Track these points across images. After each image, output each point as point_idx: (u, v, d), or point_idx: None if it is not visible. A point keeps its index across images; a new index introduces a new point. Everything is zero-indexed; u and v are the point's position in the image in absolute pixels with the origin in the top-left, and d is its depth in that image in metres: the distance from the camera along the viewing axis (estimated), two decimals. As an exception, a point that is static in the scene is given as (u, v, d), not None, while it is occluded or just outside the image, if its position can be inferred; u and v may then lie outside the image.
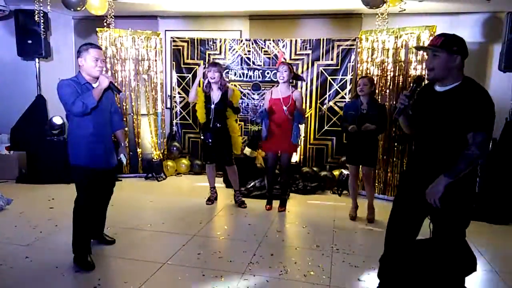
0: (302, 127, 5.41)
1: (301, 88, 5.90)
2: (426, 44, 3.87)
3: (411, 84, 2.32)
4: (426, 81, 2.33)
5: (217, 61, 5.37)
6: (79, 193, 3.03)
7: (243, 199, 4.77)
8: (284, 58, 5.82)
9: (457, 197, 2.13)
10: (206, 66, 4.50)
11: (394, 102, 4.91)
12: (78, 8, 4.96)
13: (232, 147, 4.58)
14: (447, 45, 2.10)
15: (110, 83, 2.98)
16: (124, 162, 3.43)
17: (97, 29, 5.71)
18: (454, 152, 2.09)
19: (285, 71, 4.30)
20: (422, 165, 2.27)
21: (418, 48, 4.22)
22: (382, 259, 2.49)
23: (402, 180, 2.42)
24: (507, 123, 4.75)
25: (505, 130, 4.72)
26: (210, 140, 4.48)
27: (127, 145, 3.31)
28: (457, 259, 2.22)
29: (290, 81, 4.41)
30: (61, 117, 5.88)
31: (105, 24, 5.50)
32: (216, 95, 4.39)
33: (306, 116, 5.90)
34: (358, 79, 4.30)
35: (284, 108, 4.30)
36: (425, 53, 3.74)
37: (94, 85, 2.96)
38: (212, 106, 4.39)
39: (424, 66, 4.33)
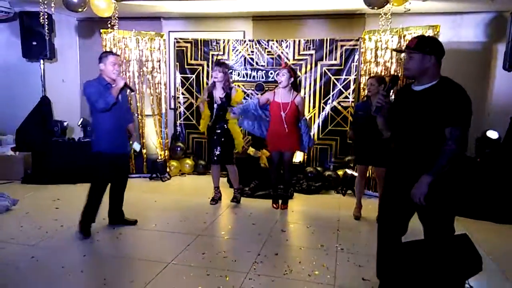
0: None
1: (304, 88, 5.91)
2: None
3: (387, 84, 2.44)
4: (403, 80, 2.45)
5: (223, 60, 5.31)
6: (98, 173, 3.65)
7: (241, 197, 4.82)
8: (287, 59, 5.81)
9: (442, 194, 2.19)
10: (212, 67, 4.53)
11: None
12: (80, 10, 4.99)
13: (234, 147, 4.62)
14: (420, 47, 2.21)
15: (125, 83, 3.61)
16: (138, 149, 4.26)
17: (101, 30, 5.74)
18: (434, 149, 2.15)
19: (284, 75, 4.23)
20: (404, 163, 2.33)
21: (396, 50, 4.26)
22: (377, 260, 2.54)
23: (386, 179, 2.49)
24: (511, 122, 4.73)
25: (510, 129, 4.70)
26: (215, 137, 4.52)
27: (135, 134, 4.10)
28: (457, 258, 2.23)
29: (292, 84, 4.32)
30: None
31: (109, 25, 5.53)
32: (219, 94, 4.40)
33: (307, 117, 5.91)
34: (368, 79, 4.29)
35: (282, 114, 4.25)
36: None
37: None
38: (215, 105, 4.41)
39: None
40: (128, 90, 3.79)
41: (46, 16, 5.14)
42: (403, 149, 2.35)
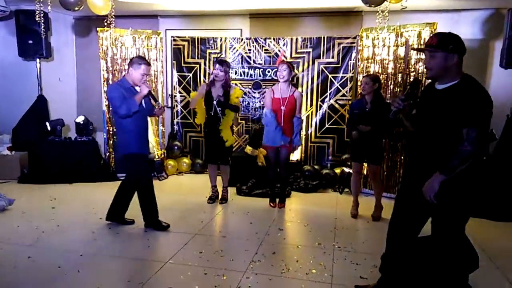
0: (303, 125, 5.42)
1: (302, 86, 5.90)
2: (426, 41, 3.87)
3: (408, 88, 2.39)
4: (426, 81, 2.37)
5: (225, 59, 5.28)
6: (133, 173, 3.77)
7: (229, 196, 4.85)
8: (285, 57, 5.81)
9: (454, 194, 2.14)
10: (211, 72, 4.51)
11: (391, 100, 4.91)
12: (76, 8, 4.96)
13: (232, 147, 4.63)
14: (443, 44, 2.12)
15: (149, 92, 3.61)
16: None
17: (98, 28, 5.71)
18: (451, 149, 2.10)
19: (285, 70, 4.32)
20: (422, 162, 2.29)
21: (415, 49, 4.22)
22: (384, 256, 2.51)
23: (404, 177, 2.46)
24: (508, 120, 4.74)
25: (507, 127, 4.71)
26: (212, 136, 4.52)
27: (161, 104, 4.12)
28: (459, 256, 2.23)
29: (291, 79, 4.45)
30: (85, 116, 5.92)
31: (105, 23, 5.50)
32: (218, 92, 4.39)
33: (305, 115, 5.91)
34: (362, 78, 4.31)
35: (282, 108, 4.34)
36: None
37: (137, 88, 3.61)
38: (214, 102, 4.40)
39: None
40: (152, 100, 3.72)
41: (42, 15, 5.12)
42: (422, 147, 2.30)
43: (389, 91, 5.00)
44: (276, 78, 5.00)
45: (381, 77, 5.04)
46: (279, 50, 5.94)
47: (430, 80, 2.32)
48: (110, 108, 5.11)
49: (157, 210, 3.84)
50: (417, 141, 2.38)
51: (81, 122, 5.84)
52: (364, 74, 4.98)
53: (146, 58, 4.31)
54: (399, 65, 4.91)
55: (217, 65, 4.36)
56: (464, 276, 2.32)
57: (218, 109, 4.40)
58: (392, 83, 4.98)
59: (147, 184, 3.76)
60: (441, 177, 2.11)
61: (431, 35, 2.25)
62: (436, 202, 2.13)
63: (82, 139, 5.84)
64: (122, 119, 3.54)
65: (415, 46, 4.69)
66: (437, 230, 2.25)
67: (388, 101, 4.45)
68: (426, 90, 2.36)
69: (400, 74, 4.91)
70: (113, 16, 5.45)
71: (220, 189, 4.84)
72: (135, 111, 3.50)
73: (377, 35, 5.06)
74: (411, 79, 4.76)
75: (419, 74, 4.72)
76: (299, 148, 5.40)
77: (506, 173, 4.36)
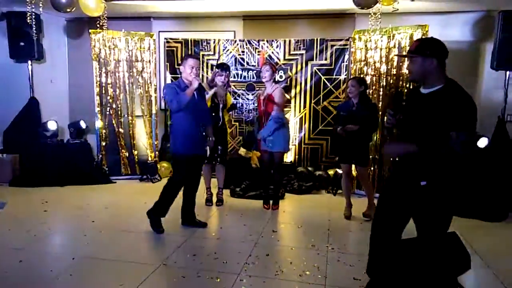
0: (292, 128, 5.38)
1: (295, 88, 5.92)
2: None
3: (392, 102, 2.48)
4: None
5: (226, 63, 5.29)
6: (176, 173, 3.89)
7: (224, 198, 4.84)
8: (267, 59, 5.79)
9: (438, 198, 2.18)
10: (219, 70, 4.51)
11: (382, 102, 4.95)
12: (68, 10, 4.93)
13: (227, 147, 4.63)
14: (420, 50, 2.21)
15: (199, 84, 3.69)
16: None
17: (90, 30, 5.68)
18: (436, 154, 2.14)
19: (268, 71, 4.38)
20: (405, 164, 2.32)
21: (398, 55, 4.30)
22: (368, 258, 2.54)
23: (387, 179, 2.50)
24: (499, 121, 4.79)
25: (498, 127, 4.76)
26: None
27: (213, 138, 3.99)
28: (450, 257, 2.24)
29: (274, 79, 4.49)
30: (56, 121, 5.87)
31: (98, 25, 5.48)
32: (221, 94, 4.47)
33: (286, 113, 5.92)
34: (348, 80, 4.35)
35: (262, 108, 4.41)
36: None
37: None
38: (221, 105, 4.50)
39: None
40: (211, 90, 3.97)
41: (34, 16, 5.07)
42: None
43: (381, 93, 5.03)
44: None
45: (373, 79, 5.09)
46: (258, 52, 5.94)
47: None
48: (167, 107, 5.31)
49: (193, 211, 3.98)
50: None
51: (54, 129, 5.81)
52: (351, 77, 5.01)
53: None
54: (390, 68, 4.94)
55: (224, 72, 4.48)
56: (455, 277, 2.34)
57: (221, 113, 4.52)
58: (384, 84, 5.00)
59: (188, 184, 3.85)
60: (413, 148, 2.15)
61: (415, 40, 2.33)
62: (392, 155, 2.17)
63: (75, 141, 5.80)
64: (177, 114, 3.66)
65: (407, 48, 4.73)
66: (422, 231, 2.29)
67: (374, 103, 4.49)
68: (411, 94, 2.42)
69: (391, 77, 4.94)
70: (106, 18, 5.43)
71: (214, 191, 4.82)
72: (185, 103, 3.56)
73: (370, 37, 5.09)
74: (393, 91, 4.85)
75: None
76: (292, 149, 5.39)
77: (496, 173, 4.40)
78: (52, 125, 5.80)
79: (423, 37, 4.44)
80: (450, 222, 2.26)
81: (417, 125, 2.25)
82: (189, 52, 6.19)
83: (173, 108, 3.65)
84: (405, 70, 4.82)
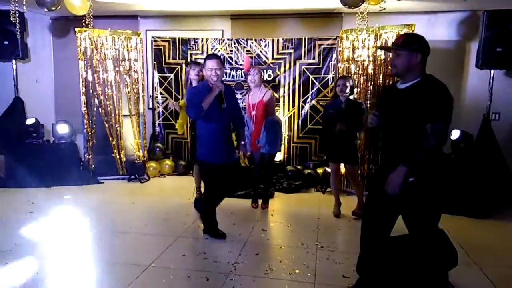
0: (283, 129, 5.39)
1: (284, 87, 5.93)
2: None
3: (376, 102, 2.50)
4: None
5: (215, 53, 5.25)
6: (206, 184, 3.68)
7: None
8: (251, 63, 5.77)
9: (425, 194, 2.20)
10: (189, 69, 4.42)
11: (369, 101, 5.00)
12: (53, 8, 4.86)
13: None
14: (407, 44, 2.24)
15: (220, 92, 3.35)
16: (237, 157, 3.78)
17: (76, 29, 5.60)
18: (415, 144, 2.16)
19: (256, 75, 4.32)
20: (388, 161, 2.35)
21: (382, 48, 4.33)
22: (359, 256, 2.56)
23: (374, 176, 2.52)
24: (484, 119, 4.86)
25: (483, 126, 4.83)
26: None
27: (247, 141, 3.85)
28: (437, 254, 2.27)
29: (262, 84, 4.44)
30: (35, 118, 5.74)
31: (83, 24, 5.40)
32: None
33: (287, 116, 5.93)
34: (337, 79, 4.36)
35: (253, 113, 4.35)
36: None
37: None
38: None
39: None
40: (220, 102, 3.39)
41: (17, 15, 4.99)
42: (388, 147, 2.38)
43: (369, 91, 5.06)
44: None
45: (361, 78, 5.12)
46: (247, 52, 5.93)
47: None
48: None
49: (216, 220, 3.73)
50: (382, 140, 2.44)
51: (31, 124, 5.66)
52: (339, 75, 5.03)
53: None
54: (378, 67, 4.98)
55: (192, 68, 4.22)
56: (443, 273, 2.37)
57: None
58: (372, 83, 5.04)
59: (215, 193, 3.61)
60: (404, 169, 2.16)
61: (399, 35, 2.35)
62: (400, 194, 2.18)
63: (61, 141, 5.72)
64: (199, 120, 3.43)
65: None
66: (411, 228, 2.30)
67: (361, 102, 4.52)
68: (387, 90, 2.47)
69: (378, 76, 4.98)
70: (92, 16, 5.35)
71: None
72: (201, 113, 3.29)
73: (357, 37, 5.12)
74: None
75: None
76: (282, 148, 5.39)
77: (482, 171, 4.47)
78: (30, 121, 5.66)
79: (408, 32, 4.48)
80: (439, 219, 2.29)
81: (396, 121, 2.27)
82: (177, 52, 6.16)
83: (191, 117, 3.48)
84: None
